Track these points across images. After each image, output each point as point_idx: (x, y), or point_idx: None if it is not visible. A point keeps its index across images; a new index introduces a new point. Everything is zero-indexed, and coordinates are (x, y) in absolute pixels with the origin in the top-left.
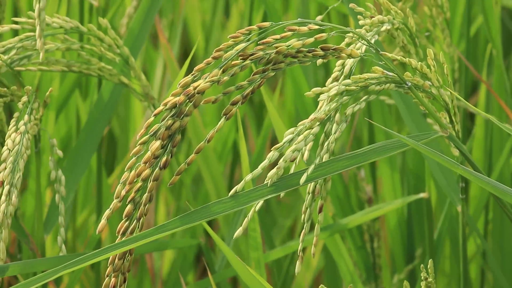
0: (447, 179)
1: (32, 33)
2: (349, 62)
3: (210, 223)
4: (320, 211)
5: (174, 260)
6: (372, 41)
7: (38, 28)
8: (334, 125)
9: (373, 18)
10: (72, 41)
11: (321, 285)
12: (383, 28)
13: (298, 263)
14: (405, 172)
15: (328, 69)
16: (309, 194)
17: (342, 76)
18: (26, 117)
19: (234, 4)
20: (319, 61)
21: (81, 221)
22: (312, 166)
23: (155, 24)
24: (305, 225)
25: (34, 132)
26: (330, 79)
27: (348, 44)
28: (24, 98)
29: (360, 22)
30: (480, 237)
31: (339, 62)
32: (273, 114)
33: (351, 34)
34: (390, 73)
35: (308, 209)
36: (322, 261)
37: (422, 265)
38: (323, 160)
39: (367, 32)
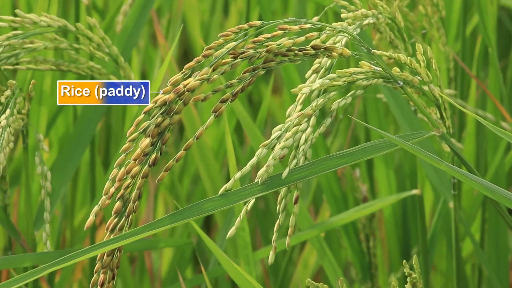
0: (439, 176)
1: (20, 32)
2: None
3: (209, 220)
4: (295, 202)
5: (172, 257)
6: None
7: None
8: (313, 118)
9: (356, 12)
10: (61, 40)
11: (308, 279)
12: (366, 22)
13: (271, 253)
14: (401, 170)
15: None
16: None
17: (323, 69)
18: (8, 111)
19: (233, 4)
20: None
21: (79, 220)
22: (294, 161)
23: (154, 24)
24: (280, 216)
25: (18, 126)
26: (310, 71)
27: (329, 37)
28: (7, 92)
29: (343, 16)
30: (472, 238)
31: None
32: (241, 112)
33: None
34: (378, 68)
35: (284, 200)
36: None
37: (404, 261)
38: (301, 155)
39: (349, 25)
